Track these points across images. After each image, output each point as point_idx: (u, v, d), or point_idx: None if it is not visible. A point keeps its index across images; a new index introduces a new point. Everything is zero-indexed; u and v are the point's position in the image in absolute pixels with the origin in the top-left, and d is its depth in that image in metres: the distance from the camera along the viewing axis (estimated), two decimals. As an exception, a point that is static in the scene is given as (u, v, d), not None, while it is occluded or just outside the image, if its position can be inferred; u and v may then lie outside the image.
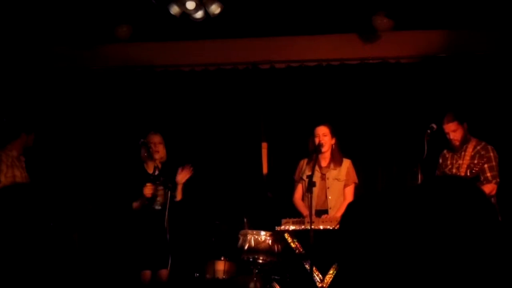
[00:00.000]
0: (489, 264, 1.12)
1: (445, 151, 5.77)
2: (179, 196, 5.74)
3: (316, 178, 5.69)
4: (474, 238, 1.12)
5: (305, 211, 5.68)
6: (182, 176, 5.75)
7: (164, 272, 5.47)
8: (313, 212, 5.61)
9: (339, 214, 5.55)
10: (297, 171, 5.96)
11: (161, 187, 5.61)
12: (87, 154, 7.05)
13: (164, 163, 5.81)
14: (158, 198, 5.61)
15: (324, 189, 5.77)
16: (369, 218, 1.16)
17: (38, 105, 7.07)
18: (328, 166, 5.83)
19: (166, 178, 5.61)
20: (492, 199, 5.48)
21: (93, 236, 6.04)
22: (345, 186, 5.80)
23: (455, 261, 1.10)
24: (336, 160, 5.82)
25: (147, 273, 5.49)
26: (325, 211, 5.68)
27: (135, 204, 5.60)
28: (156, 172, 5.66)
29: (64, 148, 7.07)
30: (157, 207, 5.60)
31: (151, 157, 5.63)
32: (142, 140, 5.68)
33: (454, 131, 5.57)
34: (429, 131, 5.51)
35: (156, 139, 5.79)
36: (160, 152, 5.76)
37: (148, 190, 5.49)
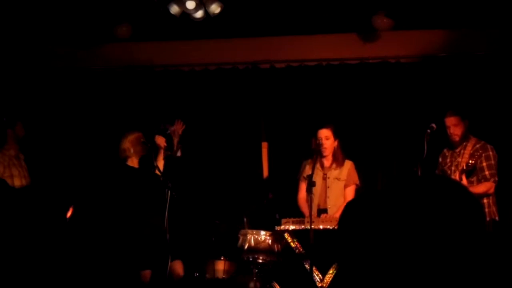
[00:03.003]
0: (475, 264, 1.13)
1: (445, 150, 5.78)
2: (179, 152, 5.83)
3: (318, 177, 5.71)
4: (460, 238, 1.13)
5: (308, 212, 5.69)
6: (177, 128, 5.86)
7: (169, 269, 5.44)
8: (315, 210, 5.64)
9: (338, 214, 5.56)
10: (301, 171, 5.96)
11: (173, 131, 5.68)
12: (87, 153, 7.05)
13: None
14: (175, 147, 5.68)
15: (325, 188, 5.77)
16: (366, 217, 1.17)
17: (37, 104, 7.08)
18: (330, 167, 5.84)
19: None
20: (491, 198, 5.50)
21: (92, 234, 6.04)
22: (346, 186, 5.80)
23: (443, 261, 1.11)
24: (338, 160, 5.83)
25: (147, 273, 5.49)
26: (326, 210, 5.69)
27: (159, 161, 5.63)
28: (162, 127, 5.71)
29: (64, 147, 7.07)
30: (178, 154, 5.65)
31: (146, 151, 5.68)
32: (142, 140, 5.69)
33: (455, 125, 5.56)
34: (429, 131, 5.51)
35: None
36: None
37: (160, 140, 5.55)
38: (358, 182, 5.86)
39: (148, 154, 5.68)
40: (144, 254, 5.49)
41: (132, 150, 5.71)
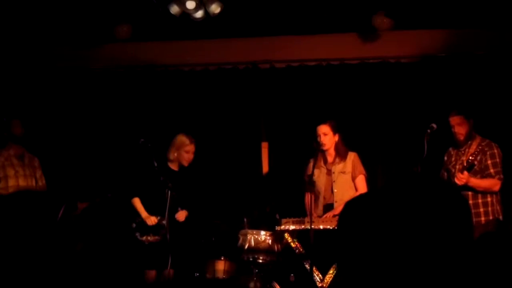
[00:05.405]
0: (464, 266, 1.13)
1: (450, 149, 5.79)
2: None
3: (322, 174, 5.76)
4: (448, 238, 1.14)
5: (315, 212, 5.70)
6: (181, 216, 5.77)
7: (167, 272, 5.45)
8: (321, 207, 5.66)
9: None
10: (306, 171, 5.97)
11: (163, 224, 5.55)
12: (87, 154, 7.05)
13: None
14: (150, 238, 5.56)
15: (330, 183, 5.78)
16: (365, 217, 1.17)
17: (37, 105, 7.08)
18: (333, 162, 5.85)
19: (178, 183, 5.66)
20: (494, 197, 5.49)
21: (95, 235, 6.04)
22: (354, 178, 5.80)
23: (434, 260, 1.11)
24: (341, 154, 5.84)
25: (152, 272, 5.49)
26: (332, 205, 5.69)
27: (137, 205, 5.58)
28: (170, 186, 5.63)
29: (64, 147, 7.07)
30: (149, 238, 5.55)
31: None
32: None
33: (459, 125, 5.56)
34: (429, 130, 5.51)
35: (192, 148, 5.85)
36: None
37: (151, 221, 5.50)
38: (364, 172, 5.85)
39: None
40: (145, 254, 5.49)
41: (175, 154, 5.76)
